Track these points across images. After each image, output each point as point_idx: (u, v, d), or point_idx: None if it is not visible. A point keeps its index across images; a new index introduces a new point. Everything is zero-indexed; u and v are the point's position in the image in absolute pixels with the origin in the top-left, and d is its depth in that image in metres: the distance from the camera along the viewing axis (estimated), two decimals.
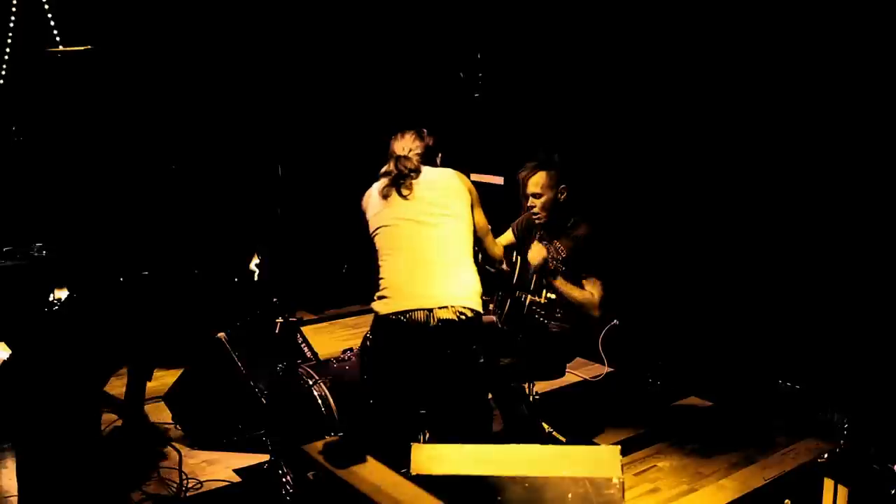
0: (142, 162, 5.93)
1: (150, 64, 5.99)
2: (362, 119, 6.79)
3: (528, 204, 4.00)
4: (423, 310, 3.17)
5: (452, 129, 6.38)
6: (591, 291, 3.87)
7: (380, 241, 3.35)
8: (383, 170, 3.42)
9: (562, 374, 4.20)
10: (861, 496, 3.05)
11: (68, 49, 5.72)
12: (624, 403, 4.77)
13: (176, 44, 6.06)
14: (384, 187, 3.36)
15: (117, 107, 5.91)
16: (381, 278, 3.31)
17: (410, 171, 3.35)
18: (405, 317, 3.18)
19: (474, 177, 6.05)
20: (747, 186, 4.70)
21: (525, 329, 3.94)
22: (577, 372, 4.99)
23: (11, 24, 5.79)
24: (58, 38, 5.82)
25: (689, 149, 4.94)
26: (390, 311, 3.21)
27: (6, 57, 5.82)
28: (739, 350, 4.77)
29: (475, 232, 3.43)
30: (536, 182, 3.95)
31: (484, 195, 5.86)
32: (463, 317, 3.20)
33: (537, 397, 4.04)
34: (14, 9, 5.77)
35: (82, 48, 5.64)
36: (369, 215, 3.41)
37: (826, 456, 3.21)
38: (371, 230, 3.39)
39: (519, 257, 4.04)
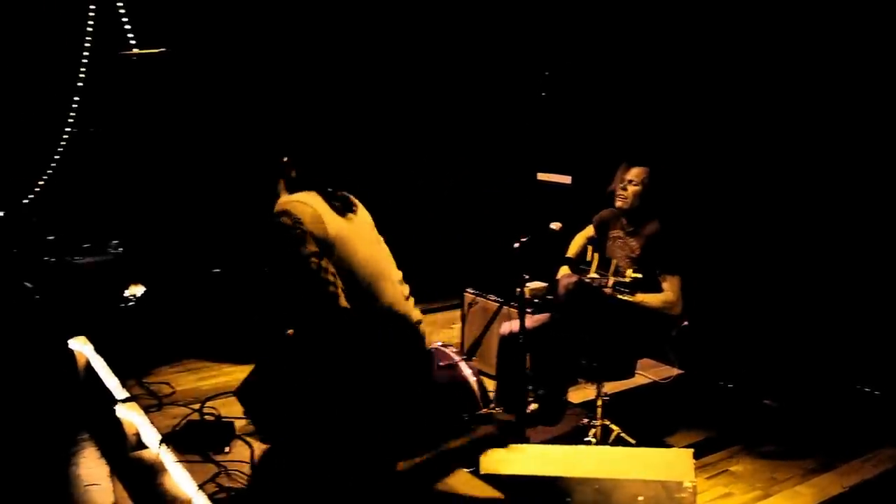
0: (215, 161, 6.05)
1: (225, 65, 6.10)
2: (431, 119, 6.82)
3: (620, 186, 4.07)
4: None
5: (520, 127, 6.38)
6: (668, 291, 3.90)
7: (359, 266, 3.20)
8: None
9: (631, 375, 4.16)
10: None
11: (143, 52, 5.87)
12: (695, 406, 4.68)
13: (252, 46, 6.16)
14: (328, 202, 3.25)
15: (191, 108, 6.03)
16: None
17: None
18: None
19: (542, 176, 6.04)
20: (824, 184, 4.58)
21: (601, 314, 3.92)
22: (647, 373, 4.91)
23: (89, 28, 5.97)
24: (133, 42, 5.98)
25: (762, 146, 4.83)
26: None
27: (84, 60, 6.00)
28: (816, 352, 4.65)
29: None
30: (636, 173, 4.07)
31: (552, 195, 5.90)
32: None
33: (606, 398, 3.99)
34: (91, 13, 5.95)
35: (157, 51, 5.78)
36: (331, 233, 3.13)
37: None
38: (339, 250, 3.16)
39: (596, 253, 4.08)
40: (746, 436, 4.26)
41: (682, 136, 5.20)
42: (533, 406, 4.10)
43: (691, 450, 3.10)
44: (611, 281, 3.85)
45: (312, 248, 3.04)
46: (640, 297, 3.85)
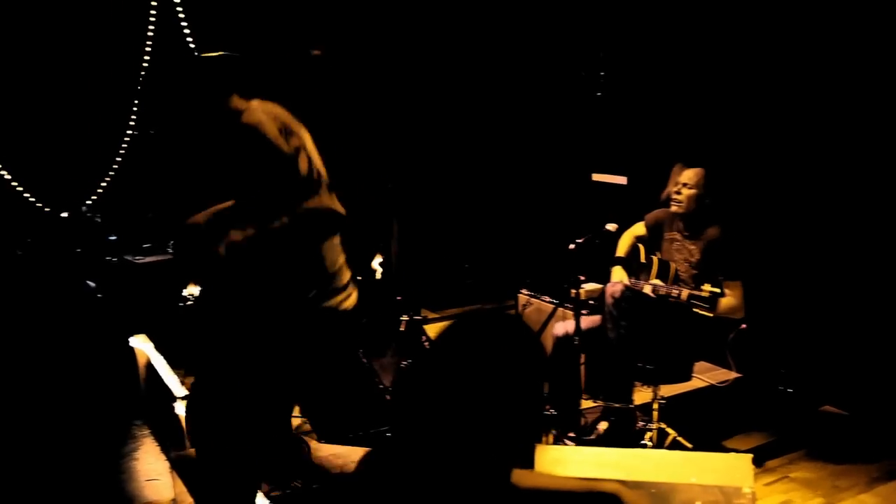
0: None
1: (284, 66, 6.17)
2: (487, 119, 6.81)
3: (675, 190, 4.00)
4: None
5: (575, 128, 6.34)
6: (730, 296, 3.83)
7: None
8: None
9: (688, 378, 4.10)
10: None
11: (203, 55, 5.95)
12: (753, 410, 4.59)
13: (312, 46, 6.22)
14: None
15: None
16: (328, 260, 2.81)
17: None
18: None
19: (597, 177, 5.99)
20: (888, 185, 4.46)
21: (655, 321, 3.86)
22: (704, 377, 4.84)
23: (150, 32, 6.10)
24: (192, 45, 6.09)
25: (823, 148, 4.72)
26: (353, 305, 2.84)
27: (145, 62, 6.13)
28: (879, 356, 4.52)
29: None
30: (691, 175, 3.99)
31: (607, 196, 5.86)
32: None
33: (663, 402, 3.94)
34: (152, 17, 6.08)
35: (216, 54, 5.87)
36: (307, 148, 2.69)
37: None
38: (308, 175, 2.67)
39: (654, 257, 4.03)
40: (808, 441, 4.17)
41: (739, 135, 5.11)
42: (603, 425, 4.05)
43: (750, 455, 3.03)
44: (685, 294, 3.72)
45: (298, 143, 2.61)
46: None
